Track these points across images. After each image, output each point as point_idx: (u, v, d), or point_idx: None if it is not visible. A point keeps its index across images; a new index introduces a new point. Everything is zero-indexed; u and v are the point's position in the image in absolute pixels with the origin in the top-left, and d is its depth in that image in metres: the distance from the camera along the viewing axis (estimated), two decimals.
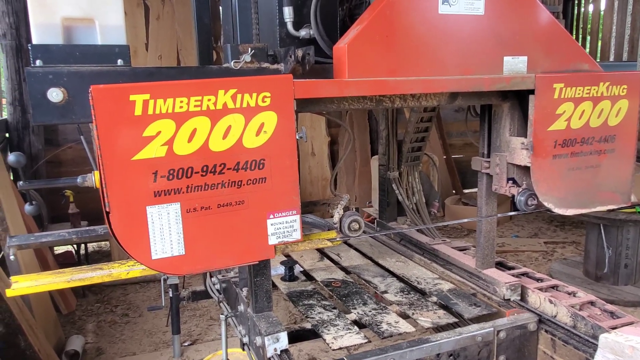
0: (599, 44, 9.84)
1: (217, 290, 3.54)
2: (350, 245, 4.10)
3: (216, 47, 5.04)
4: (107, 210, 2.04)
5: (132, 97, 1.98)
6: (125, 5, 7.49)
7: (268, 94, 2.17)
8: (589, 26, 10.05)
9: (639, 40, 9.08)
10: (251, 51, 2.32)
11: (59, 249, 6.96)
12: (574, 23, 10.10)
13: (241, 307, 2.96)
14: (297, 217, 2.36)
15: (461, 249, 3.65)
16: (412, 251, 3.85)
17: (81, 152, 7.28)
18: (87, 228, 2.81)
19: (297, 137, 2.27)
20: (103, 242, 7.88)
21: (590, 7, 10.02)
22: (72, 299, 6.03)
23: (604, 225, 5.93)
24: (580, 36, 10.11)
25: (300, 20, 2.61)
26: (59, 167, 7.46)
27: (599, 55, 9.82)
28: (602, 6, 9.82)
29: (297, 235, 2.38)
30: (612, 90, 2.84)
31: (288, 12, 2.56)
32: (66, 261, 6.60)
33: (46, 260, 5.68)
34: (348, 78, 2.37)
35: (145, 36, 7.75)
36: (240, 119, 2.15)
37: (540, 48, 2.77)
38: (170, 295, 4.08)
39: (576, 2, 10.02)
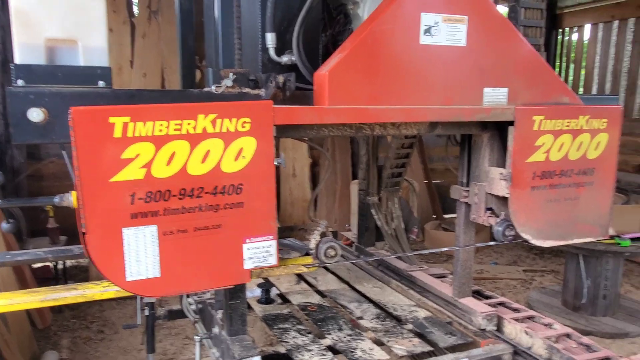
0: (583, 72, 9.94)
1: (193, 310, 3.52)
2: (327, 269, 4.10)
3: (200, 66, 5.05)
4: (83, 230, 2.03)
5: (111, 120, 1.98)
6: (112, 23, 7.43)
7: (248, 120, 2.18)
8: (572, 55, 10.16)
9: (621, 72, 9.20)
10: (233, 76, 2.33)
11: (37, 264, 6.90)
12: (559, 51, 10.23)
13: (216, 330, 2.95)
14: (274, 242, 2.35)
15: (438, 277, 3.66)
16: (389, 277, 3.85)
17: (63, 167, 7.19)
18: (63, 248, 2.80)
19: (275, 164, 2.27)
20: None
21: (575, 36, 10.13)
22: (47, 314, 5.97)
23: (583, 256, 5.95)
24: (564, 64, 10.22)
25: (282, 46, 2.62)
26: (40, 181, 7.43)
27: (582, 84, 9.92)
28: (587, 35, 9.92)
29: (273, 260, 2.37)
30: (592, 123, 2.87)
31: (271, 38, 2.57)
32: (44, 276, 6.55)
33: (24, 275, 5.63)
34: (328, 105, 2.38)
35: (130, 54, 7.77)
36: (220, 144, 2.15)
37: (521, 80, 2.79)
38: (147, 314, 4.05)
39: (560, 30, 10.14)
